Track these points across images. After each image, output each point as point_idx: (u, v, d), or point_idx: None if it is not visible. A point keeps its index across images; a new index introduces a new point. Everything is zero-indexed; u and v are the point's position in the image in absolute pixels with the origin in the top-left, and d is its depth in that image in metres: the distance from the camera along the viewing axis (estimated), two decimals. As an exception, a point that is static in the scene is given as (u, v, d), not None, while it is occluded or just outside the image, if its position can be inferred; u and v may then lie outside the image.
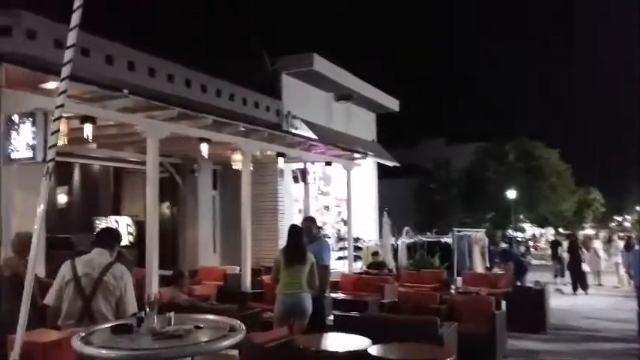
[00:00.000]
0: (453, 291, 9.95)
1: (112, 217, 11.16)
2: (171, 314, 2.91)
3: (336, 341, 4.34)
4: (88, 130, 6.02)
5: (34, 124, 4.75)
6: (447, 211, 24.60)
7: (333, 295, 8.64)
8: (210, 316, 3.20)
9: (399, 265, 12.79)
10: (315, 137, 12.16)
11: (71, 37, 2.69)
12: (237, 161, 9.81)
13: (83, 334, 2.86)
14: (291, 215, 12.51)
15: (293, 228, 5.57)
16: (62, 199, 13.90)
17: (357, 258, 12.77)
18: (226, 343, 2.72)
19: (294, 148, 9.74)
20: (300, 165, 10.92)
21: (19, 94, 5.17)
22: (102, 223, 10.86)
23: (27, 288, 2.74)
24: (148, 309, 2.93)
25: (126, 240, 11.60)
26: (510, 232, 24.94)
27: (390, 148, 18.97)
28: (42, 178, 2.70)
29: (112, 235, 4.04)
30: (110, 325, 3.03)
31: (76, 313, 3.54)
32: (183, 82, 10.46)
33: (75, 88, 5.90)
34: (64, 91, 2.76)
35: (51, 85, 5.59)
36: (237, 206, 12.57)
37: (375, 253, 12.06)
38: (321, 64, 13.45)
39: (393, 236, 14.44)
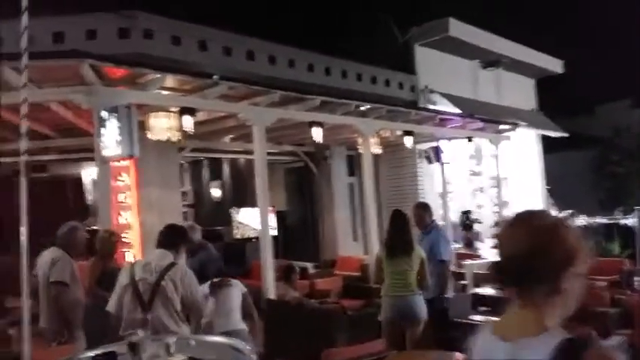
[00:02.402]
0: (637, 285, 8.01)
1: (247, 209, 11.23)
2: (172, 340, 2.31)
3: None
4: (187, 122, 5.84)
5: (118, 119, 4.60)
6: (636, 186, 20.67)
7: (478, 290, 7.48)
8: (221, 340, 2.55)
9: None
10: (456, 111, 10.89)
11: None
12: (372, 144, 9.15)
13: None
14: (433, 199, 11.42)
15: (396, 214, 4.67)
16: (216, 193, 14.68)
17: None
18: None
19: (423, 125, 8.69)
20: (435, 143, 9.78)
21: (109, 90, 5.12)
22: (239, 214, 11.05)
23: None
24: (140, 333, 2.38)
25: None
26: None
27: (557, 117, 16.48)
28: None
29: (175, 234, 3.65)
30: (93, 353, 2.53)
31: (136, 323, 3.21)
32: (305, 66, 10.06)
33: (171, 80, 5.78)
34: None
35: (144, 79, 5.51)
36: (377, 192, 11.97)
37: (535, 239, 10.36)
38: (459, 29, 12.00)
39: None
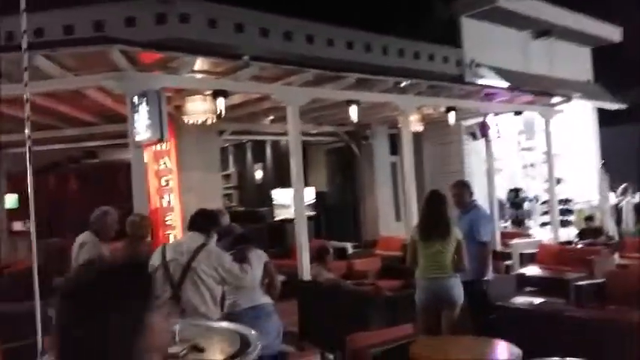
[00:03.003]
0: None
1: (287, 190, 11.26)
2: (177, 327, 2.26)
3: (464, 350, 3.22)
4: (220, 105, 5.81)
5: (147, 103, 4.61)
6: None
7: (524, 270, 7.19)
8: (228, 325, 2.47)
9: (623, 230, 10.28)
10: (505, 85, 10.40)
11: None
12: (412, 122, 8.92)
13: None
14: (481, 176, 11.03)
15: (432, 195, 4.47)
16: (258, 174, 14.79)
17: (567, 223, 10.68)
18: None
19: (467, 100, 8.33)
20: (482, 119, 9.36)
21: (141, 75, 5.15)
22: (280, 195, 11.08)
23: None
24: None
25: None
26: None
27: (614, 88, 15.47)
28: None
29: (207, 218, 3.70)
30: None
31: (165, 303, 3.23)
32: (344, 44, 9.84)
33: (203, 63, 5.76)
34: None
35: (176, 63, 5.50)
36: (421, 171, 11.67)
37: (589, 218, 9.85)
38: (508, -2, 11.39)
39: (621, 195, 11.68)
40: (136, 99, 4.80)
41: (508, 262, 6.75)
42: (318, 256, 5.60)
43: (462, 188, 4.79)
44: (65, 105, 6.96)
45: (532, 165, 12.85)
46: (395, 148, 11.68)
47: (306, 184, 12.97)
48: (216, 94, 5.76)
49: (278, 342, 3.92)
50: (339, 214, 11.88)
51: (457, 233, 4.28)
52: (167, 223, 8.44)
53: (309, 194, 12.14)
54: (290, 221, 11.28)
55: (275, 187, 12.88)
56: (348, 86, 6.68)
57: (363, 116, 10.23)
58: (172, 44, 5.77)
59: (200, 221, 3.59)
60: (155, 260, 3.40)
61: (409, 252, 4.40)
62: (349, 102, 6.84)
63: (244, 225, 12.69)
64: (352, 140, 11.27)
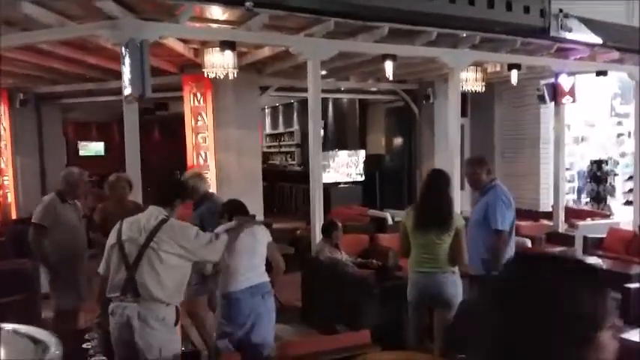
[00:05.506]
0: None
1: (334, 152, 10.73)
2: None
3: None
4: (228, 56, 5.30)
5: (130, 56, 4.21)
6: None
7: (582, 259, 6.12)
8: (26, 330, 1.98)
9: None
10: (597, 40, 8.86)
11: None
12: (469, 80, 7.93)
13: None
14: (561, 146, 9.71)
15: (433, 174, 3.70)
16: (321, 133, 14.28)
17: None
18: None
19: (536, 56, 7.13)
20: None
21: (136, 23, 4.74)
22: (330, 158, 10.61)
23: None
24: None
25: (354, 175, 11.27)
26: None
27: None
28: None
29: (170, 189, 3.31)
30: None
31: (120, 285, 2.93)
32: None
33: (213, 10, 5.27)
34: None
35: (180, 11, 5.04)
36: (490, 137, 10.53)
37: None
38: None
39: None
40: (123, 50, 4.42)
41: (559, 249, 5.73)
42: (324, 231, 5.03)
43: (479, 166, 3.92)
44: (94, 57, 6.84)
45: (629, 133, 11.14)
46: (464, 108, 10.57)
47: (363, 146, 12.34)
48: (222, 45, 5.24)
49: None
50: (395, 179, 11.14)
51: (458, 220, 3.51)
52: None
53: (359, 158, 11.58)
54: (336, 185, 10.85)
55: (336, 147, 12.35)
56: (382, 38, 5.85)
57: (420, 73, 9.31)
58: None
59: (162, 193, 3.20)
60: (111, 239, 3.06)
61: (400, 240, 3.71)
62: (384, 57, 6.03)
63: (295, 185, 12.39)
64: (412, 99, 10.35)
